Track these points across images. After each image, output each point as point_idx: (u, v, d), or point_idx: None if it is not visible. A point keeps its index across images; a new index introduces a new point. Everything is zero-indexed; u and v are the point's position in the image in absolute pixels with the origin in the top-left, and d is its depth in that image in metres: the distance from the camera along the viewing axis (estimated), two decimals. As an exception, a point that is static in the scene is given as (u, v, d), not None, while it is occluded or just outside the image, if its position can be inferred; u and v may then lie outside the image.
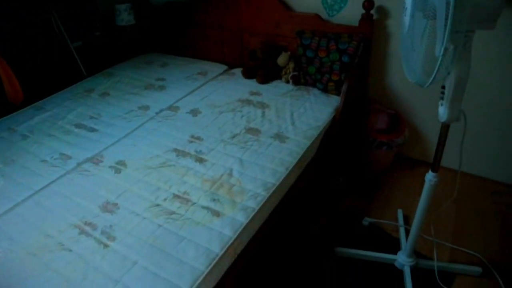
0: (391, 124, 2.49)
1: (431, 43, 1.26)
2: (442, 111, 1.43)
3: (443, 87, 1.40)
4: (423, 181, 1.64)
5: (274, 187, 1.71)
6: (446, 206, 2.20)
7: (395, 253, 1.95)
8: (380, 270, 1.93)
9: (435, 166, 1.57)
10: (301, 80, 2.59)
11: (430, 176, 1.59)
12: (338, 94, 2.39)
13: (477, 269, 1.90)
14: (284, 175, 1.78)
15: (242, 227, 1.51)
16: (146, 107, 2.41)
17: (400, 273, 1.90)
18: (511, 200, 2.39)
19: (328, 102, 2.36)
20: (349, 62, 2.35)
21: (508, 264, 1.97)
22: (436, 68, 1.23)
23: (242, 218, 1.54)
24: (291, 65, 2.63)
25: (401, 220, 2.17)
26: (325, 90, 2.48)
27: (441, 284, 1.84)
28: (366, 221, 2.17)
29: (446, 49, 1.19)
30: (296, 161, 1.86)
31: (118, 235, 1.50)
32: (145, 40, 3.37)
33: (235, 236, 1.47)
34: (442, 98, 1.42)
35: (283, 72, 2.68)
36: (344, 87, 2.30)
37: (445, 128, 1.50)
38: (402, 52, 1.46)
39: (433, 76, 1.26)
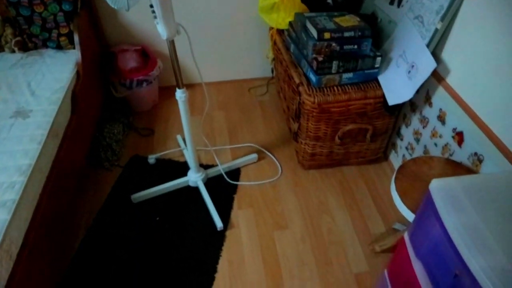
0: (143, 60, 2.47)
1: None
2: (161, 30, 1.45)
3: (151, 6, 1.41)
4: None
5: (31, 168, 1.52)
6: (199, 119, 2.41)
7: (186, 175, 2.06)
8: (180, 196, 2.02)
9: (178, 82, 1.63)
10: (28, 44, 2.27)
11: (178, 93, 1.66)
12: (74, 47, 2.20)
13: (253, 156, 2.18)
14: (39, 151, 1.60)
15: (6, 224, 1.32)
16: None
17: (196, 189, 2.03)
18: (263, 90, 2.76)
19: (66, 59, 2.15)
20: (72, 10, 2.15)
21: (271, 141, 2.33)
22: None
23: (4, 215, 1.34)
24: (9, 30, 2.26)
25: (182, 144, 2.27)
26: (59, 47, 2.25)
27: (230, 182, 2.06)
28: (151, 158, 2.20)
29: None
30: (47, 132, 1.68)
31: None
32: None
33: (0, 238, 1.28)
34: (155, 17, 1.43)
35: (3, 42, 2.30)
36: (76, 38, 2.13)
37: (171, 45, 1.54)
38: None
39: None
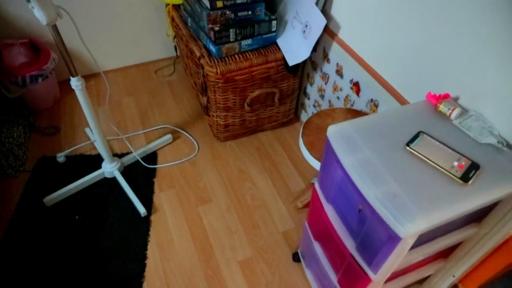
0: (33, 54, 2.28)
1: None
2: (38, 14, 1.33)
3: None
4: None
5: None
6: (105, 109, 2.34)
7: (101, 167, 1.97)
8: (98, 190, 1.93)
9: (71, 70, 1.53)
10: None
11: (73, 82, 1.55)
12: None
13: (168, 136, 2.14)
14: None
15: None
16: None
17: (114, 180, 1.95)
18: (170, 69, 2.69)
19: None
20: None
21: (184, 119, 2.30)
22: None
23: None
24: None
25: (92, 136, 2.16)
26: None
27: (148, 166, 2.01)
28: (60, 157, 2.06)
29: None
30: None
31: None
32: None
33: None
34: (28, 1, 1.32)
35: None
36: None
37: (54, 30, 1.42)
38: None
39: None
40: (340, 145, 0.96)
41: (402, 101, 1.37)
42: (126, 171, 1.99)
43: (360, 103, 1.64)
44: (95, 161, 2.04)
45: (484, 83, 1.04)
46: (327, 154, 1.05)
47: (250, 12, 1.72)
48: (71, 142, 2.18)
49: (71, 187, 1.90)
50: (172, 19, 2.22)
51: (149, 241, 1.73)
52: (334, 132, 1.00)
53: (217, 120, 2.00)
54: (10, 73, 2.14)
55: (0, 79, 2.17)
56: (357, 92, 1.63)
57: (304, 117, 2.23)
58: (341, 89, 1.75)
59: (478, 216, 1.07)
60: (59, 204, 1.87)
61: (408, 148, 0.94)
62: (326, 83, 1.87)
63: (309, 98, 2.09)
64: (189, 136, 2.20)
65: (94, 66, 2.61)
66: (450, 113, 1.05)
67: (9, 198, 1.91)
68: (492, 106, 1.04)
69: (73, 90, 1.59)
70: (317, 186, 1.20)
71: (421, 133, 0.99)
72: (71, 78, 1.55)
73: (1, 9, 2.22)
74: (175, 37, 2.47)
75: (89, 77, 2.61)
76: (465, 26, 1.06)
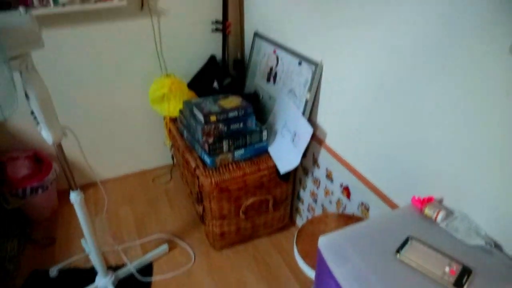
0: (36, 165, 2.36)
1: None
2: (45, 135, 1.43)
3: (32, 112, 1.40)
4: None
5: None
6: (102, 218, 2.39)
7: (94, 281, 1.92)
8: (88, 306, 1.86)
9: (71, 185, 1.58)
10: None
11: (73, 196, 1.60)
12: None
13: (164, 247, 2.12)
14: None
15: None
16: None
17: (107, 294, 1.89)
18: (167, 177, 2.77)
19: None
20: None
21: (181, 228, 2.30)
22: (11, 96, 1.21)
23: None
24: None
25: (87, 248, 2.13)
26: None
27: (142, 280, 1.96)
28: (53, 270, 2.02)
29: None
30: None
31: None
32: None
33: None
34: (38, 123, 1.42)
35: None
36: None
37: (59, 148, 1.51)
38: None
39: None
40: (332, 256, 0.98)
41: (391, 204, 1.41)
42: (121, 285, 1.94)
43: (351, 207, 1.67)
44: (89, 275, 1.98)
45: (466, 184, 1.09)
46: (320, 265, 1.05)
47: (241, 124, 1.84)
48: (66, 254, 2.15)
49: (62, 304, 1.83)
50: (169, 131, 2.35)
51: None
52: (326, 243, 1.02)
53: (212, 229, 2.00)
54: (12, 185, 2.19)
55: (1, 191, 2.22)
56: (348, 196, 1.68)
57: (299, 221, 2.24)
58: (332, 193, 1.80)
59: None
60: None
61: (398, 255, 0.96)
62: (318, 188, 1.92)
63: (302, 203, 2.13)
64: (185, 245, 2.17)
65: (93, 176, 2.68)
66: (436, 216, 1.08)
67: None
68: (475, 206, 1.08)
69: (68, 200, 1.62)
70: (313, 296, 1.18)
71: (410, 238, 1.01)
72: (71, 192, 1.60)
73: (8, 124, 2.35)
74: (172, 146, 2.59)
75: (88, 186, 2.66)
76: (447, 131, 1.15)
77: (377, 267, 0.93)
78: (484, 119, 1.00)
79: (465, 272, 0.91)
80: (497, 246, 1.01)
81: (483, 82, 0.98)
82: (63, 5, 2.01)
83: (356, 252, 0.98)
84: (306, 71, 1.76)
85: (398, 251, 0.96)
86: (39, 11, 1.95)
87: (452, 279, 0.89)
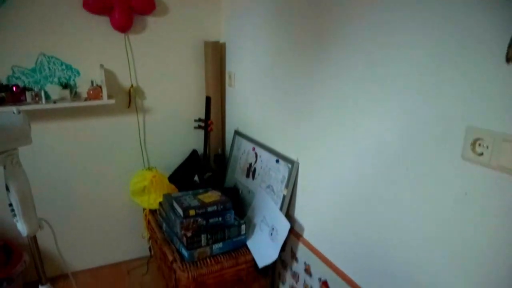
0: (4, 256, 2.28)
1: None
2: (21, 228, 1.43)
3: (10, 204, 1.41)
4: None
5: None
6: None
7: None
8: None
9: (41, 278, 1.54)
10: None
11: (42, 291, 1.55)
12: None
13: None
14: None
15: None
16: None
17: None
18: (143, 269, 2.69)
19: None
20: None
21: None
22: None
23: None
24: None
25: None
26: None
27: None
28: None
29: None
30: None
31: None
32: None
33: None
34: (14, 215, 1.42)
35: None
36: None
37: (33, 240, 1.50)
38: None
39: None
40: None
41: (370, 303, 1.41)
42: None
43: (330, 304, 1.65)
44: None
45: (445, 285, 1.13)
46: None
47: (220, 218, 1.87)
48: None
49: None
50: (148, 223, 2.35)
51: None
52: None
53: (187, 327, 1.92)
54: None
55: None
56: (326, 292, 1.67)
57: (278, 318, 2.17)
58: (311, 288, 1.79)
59: None
60: None
61: None
62: (296, 282, 1.90)
63: (281, 298, 2.09)
64: None
65: (64, 268, 2.58)
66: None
67: None
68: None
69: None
70: None
71: None
72: (40, 286, 1.55)
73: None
74: (150, 238, 2.56)
75: (58, 278, 2.55)
76: (421, 229, 1.21)
77: None
78: (445, 217, 1.08)
79: None
80: None
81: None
82: (54, 102, 2.13)
83: None
84: (283, 168, 1.85)
85: None
86: (30, 107, 2.06)
87: None
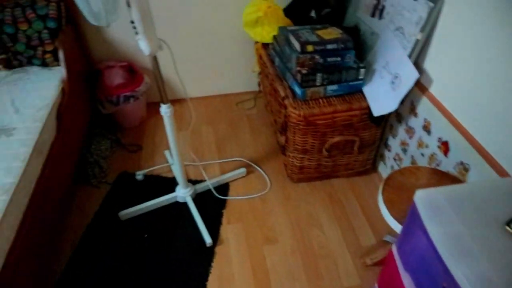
0: (129, 76, 2.47)
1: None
2: (143, 45, 1.44)
3: (132, 22, 1.40)
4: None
5: (14, 186, 1.49)
6: (186, 134, 2.45)
7: (174, 191, 2.04)
8: (168, 212, 1.99)
9: (163, 98, 1.62)
10: (12, 62, 2.25)
11: (163, 109, 1.64)
12: (59, 64, 2.18)
13: (242, 170, 2.17)
14: (22, 169, 1.57)
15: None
16: None
17: (185, 205, 2.00)
18: (250, 103, 2.76)
19: (51, 76, 2.13)
20: (57, 27, 2.15)
21: (260, 155, 2.32)
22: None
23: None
24: (-8, 49, 2.24)
25: (170, 159, 2.25)
26: (44, 64, 2.23)
27: (219, 197, 2.04)
28: (139, 175, 2.17)
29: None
30: (31, 150, 1.66)
31: None
32: None
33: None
34: (137, 33, 1.43)
35: (-13, 60, 2.28)
36: (61, 55, 2.12)
37: (154, 60, 1.53)
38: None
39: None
40: (429, 213, 0.90)
41: (498, 169, 1.26)
42: (198, 198, 2.04)
43: (447, 164, 1.54)
44: (170, 184, 2.11)
45: None
46: (411, 220, 0.98)
47: (339, 58, 1.72)
48: (150, 162, 2.29)
49: (145, 205, 1.98)
50: (260, 57, 2.29)
51: (210, 272, 1.73)
52: (423, 198, 0.94)
53: (292, 161, 1.99)
54: (107, 92, 2.33)
55: (98, 96, 2.37)
56: (445, 152, 1.54)
57: (382, 169, 2.14)
58: (426, 146, 1.67)
59: None
60: (132, 219, 1.96)
61: (508, 228, 0.85)
62: (410, 138, 1.79)
63: (389, 150, 2.01)
64: (262, 172, 2.20)
65: (182, 92, 2.75)
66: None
67: (88, 206, 2.04)
68: None
69: (159, 112, 1.67)
70: (394, 250, 1.12)
71: (524, 212, 0.89)
72: (162, 105, 1.65)
73: (107, 34, 2.44)
74: (259, 73, 2.54)
75: (175, 101, 2.75)
76: None
77: (481, 236, 0.84)
78: None
79: None
80: None
81: None
82: None
83: (457, 214, 0.89)
84: (421, 8, 1.55)
85: (508, 224, 0.86)
86: None
87: None
